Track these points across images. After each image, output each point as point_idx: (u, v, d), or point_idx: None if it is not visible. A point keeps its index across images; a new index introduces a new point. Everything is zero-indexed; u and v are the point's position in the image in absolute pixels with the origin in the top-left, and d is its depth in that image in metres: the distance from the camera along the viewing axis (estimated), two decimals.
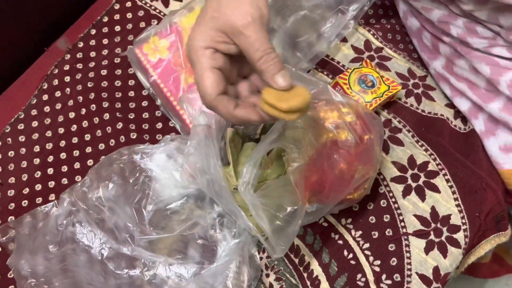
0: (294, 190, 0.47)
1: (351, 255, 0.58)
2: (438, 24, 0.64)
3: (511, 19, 0.56)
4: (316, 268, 0.58)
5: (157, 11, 0.72)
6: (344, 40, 0.69)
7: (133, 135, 0.65)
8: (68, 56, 0.71)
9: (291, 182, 0.47)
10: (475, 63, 0.61)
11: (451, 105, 0.66)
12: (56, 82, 0.69)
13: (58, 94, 0.69)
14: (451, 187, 0.60)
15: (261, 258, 0.58)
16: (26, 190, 0.64)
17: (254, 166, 0.50)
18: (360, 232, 0.59)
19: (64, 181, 0.64)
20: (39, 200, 0.63)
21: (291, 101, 0.40)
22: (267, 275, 0.58)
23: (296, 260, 0.58)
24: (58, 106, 0.68)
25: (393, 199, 0.60)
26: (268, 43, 0.40)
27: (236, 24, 0.40)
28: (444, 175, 0.61)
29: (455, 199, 0.60)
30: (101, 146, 0.66)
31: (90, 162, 0.65)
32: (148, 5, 0.72)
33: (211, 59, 0.41)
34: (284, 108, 0.39)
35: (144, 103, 0.67)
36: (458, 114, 0.66)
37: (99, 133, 0.66)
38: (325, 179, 0.50)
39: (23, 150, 0.66)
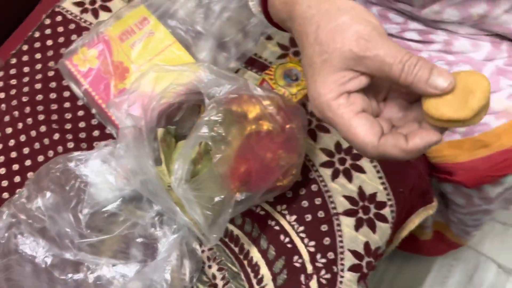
0: (220, 180, 0.50)
1: (287, 239, 0.61)
2: None
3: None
4: (255, 254, 0.61)
5: (88, 23, 0.74)
6: (270, 38, 0.73)
7: (71, 145, 0.67)
8: (1, 73, 0.72)
9: (216, 173, 0.50)
10: None
11: None
12: None
13: None
14: (375, 167, 0.65)
15: (202, 251, 0.61)
16: None
17: (185, 162, 0.52)
18: (294, 217, 0.62)
19: (5, 195, 0.65)
20: None
21: (470, 103, 0.31)
22: (210, 266, 0.60)
23: (236, 249, 0.61)
24: None
25: (323, 183, 0.64)
26: (400, 50, 0.33)
27: (354, 53, 0.33)
28: None
29: (380, 178, 0.64)
30: (40, 158, 0.67)
31: (30, 175, 0.66)
32: (78, 18, 0.74)
33: (349, 105, 0.34)
34: (469, 116, 0.31)
35: (80, 113, 0.69)
36: None
37: (37, 145, 0.67)
38: (252, 169, 0.54)
39: None
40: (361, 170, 0.65)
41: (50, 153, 0.67)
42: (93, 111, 0.67)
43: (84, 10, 0.74)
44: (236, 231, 0.62)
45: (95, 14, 0.74)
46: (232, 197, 0.52)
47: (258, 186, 0.54)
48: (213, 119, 0.53)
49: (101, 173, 0.56)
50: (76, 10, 0.74)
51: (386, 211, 0.63)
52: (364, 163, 0.65)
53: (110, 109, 0.54)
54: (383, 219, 0.63)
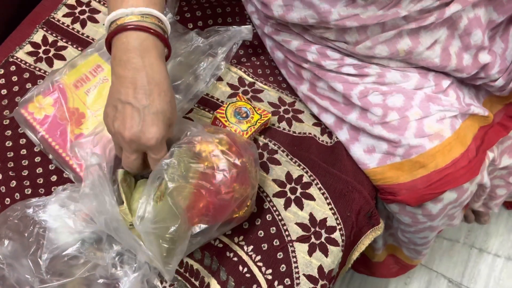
0: (176, 210, 0.53)
1: (245, 269, 0.64)
2: (297, 52, 0.74)
3: (354, 36, 0.69)
4: (215, 286, 0.63)
5: (42, 71, 0.76)
6: (220, 79, 0.77)
7: (28, 191, 0.68)
8: None
9: (171, 202, 0.52)
10: (330, 82, 0.73)
11: (318, 123, 0.77)
12: None
13: None
14: (323, 194, 0.69)
15: None
16: None
17: (147, 201, 0.55)
18: (251, 247, 0.66)
19: None
20: None
21: None
22: None
23: (197, 283, 0.63)
24: None
25: (277, 212, 0.68)
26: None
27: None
28: (316, 184, 0.70)
29: (328, 204, 0.69)
30: None
31: None
32: (32, 67, 0.76)
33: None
34: None
35: (37, 159, 0.70)
36: (324, 130, 0.76)
37: None
38: (209, 202, 0.57)
39: None
40: (310, 197, 0.69)
41: (7, 200, 0.67)
42: (50, 156, 0.69)
43: (38, 59, 0.77)
44: (196, 265, 0.64)
45: (50, 62, 0.77)
46: (189, 228, 0.55)
47: (215, 219, 0.57)
48: (169, 155, 0.56)
49: (60, 217, 0.58)
50: (30, 60, 0.77)
51: (336, 235, 0.67)
52: (313, 191, 0.70)
53: (74, 149, 0.56)
54: (334, 242, 0.67)
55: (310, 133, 0.75)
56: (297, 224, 0.67)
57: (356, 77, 0.72)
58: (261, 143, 0.73)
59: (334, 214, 0.68)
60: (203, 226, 0.56)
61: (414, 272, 1.13)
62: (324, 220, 0.68)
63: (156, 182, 0.56)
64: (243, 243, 0.66)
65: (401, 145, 0.69)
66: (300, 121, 0.76)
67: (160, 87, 0.53)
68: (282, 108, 0.77)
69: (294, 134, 0.75)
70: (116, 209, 0.54)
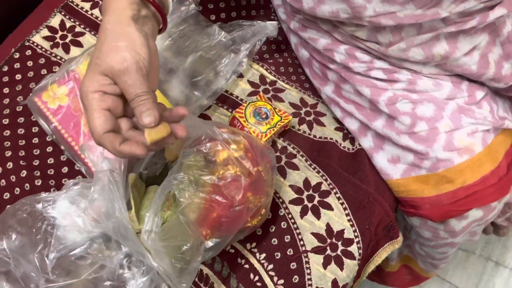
0: (187, 228, 0.50)
1: (257, 278, 0.62)
2: (324, 52, 0.71)
3: (387, 37, 0.64)
4: None
5: (58, 57, 0.73)
6: (241, 76, 0.74)
7: (38, 182, 0.66)
8: None
9: (182, 220, 0.50)
10: (357, 86, 0.69)
11: (340, 128, 0.73)
12: None
13: None
14: (342, 204, 0.66)
15: None
16: None
17: (155, 214, 0.53)
18: (264, 255, 0.63)
19: None
20: None
21: (151, 135, 0.46)
22: None
23: None
24: None
25: (292, 220, 0.65)
26: (141, 86, 0.45)
27: (114, 69, 0.45)
28: (335, 193, 0.67)
29: (347, 215, 0.66)
30: (6, 195, 0.66)
31: None
32: (48, 52, 0.74)
33: (99, 101, 0.45)
34: (147, 140, 0.46)
35: (49, 149, 0.68)
36: (346, 136, 0.73)
37: (3, 183, 0.66)
38: (221, 214, 0.54)
39: None
40: (328, 207, 0.66)
41: (17, 190, 0.66)
42: (62, 147, 0.67)
43: (55, 45, 0.74)
44: (206, 270, 0.62)
45: (66, 48, 0.74)
46: (202, 244, 0.53)
47: (228, 231, 0.55)
48: (179, 167, 0.54)
49: (69, 215, 0.56)
50: (46, 45, 0.74)
51: (353, 248, 0.65)
52: (331, 200, 0.66)
53: (84, 152, 0.54)
54: (351, 256, 0.64)
55: (331, 138, 0.71)
56: (313, 234, 0.64)
57: (385, 82, 0.68)
58: (279, 146, 0.70)
59: (352, 226, 0.65)
60: (215, 240, 0.53)
61: (426, 282, 1.10)
62: (342, 231, 0.65)
63: (164, 196, 0.54)
64: (255, 250, 0.64)
65: (428, 157, 0.65)
66: (322, 124, 0.73)
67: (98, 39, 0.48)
68: (304, 109, 0.74)
69: (315, 139, 0.71)
70: (125, 216, 0.52)
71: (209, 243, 0.54)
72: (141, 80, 0.45)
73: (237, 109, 0.69)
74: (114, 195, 0.52)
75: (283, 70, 0.76)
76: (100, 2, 0.78)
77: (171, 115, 0.49)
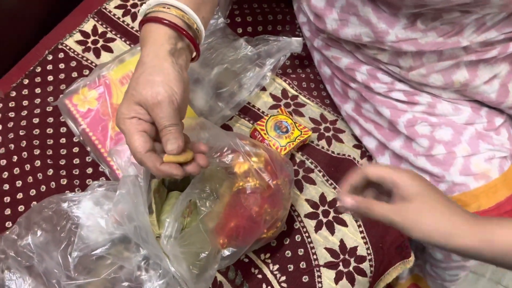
0: (206, 235, 0.52)
1: None
2: (346, 71, 0.72)
3: (408, 61, 0.66)
4: None
5: (89, 61, 0.76)
6: (264, 89, 0.76)
7: (64, 181, 0.68)
8: (0, 105, 0.73)
9: (202, 228, 0.52)
10: (377, 106, 0.70)
11: (358, 145, 0.74)
12: None
13: None
14: (357, 221, 0.67)
15: None
16: None
17: (175, 220, 0.55)
18: (277, 266, 0.64)
19: None
20: None
21: (169, 157, 0.49)
22: None
23: None
24: None
25: (307, 234, 0.66)
26: (170, 119, 0.48)
27: (148, 102, 0.48)
28: None
29: (361, 232, 0.67)
30: (32, 192, 0.68)
31: (21, 208, 0.67)
32: (80, 56, 0.77)
33: (136, 124, 0.48)
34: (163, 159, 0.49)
35: (75, 149, 0.71)
36: (364, 153, 0.74)
37: (30, 179, 0.69)
38: (239, 224, 0.56)
39: None
40: (343, 223, 0.67)
41: (43, 187, 0.68)
42: (88, 149, 0.69)
43: (86, 49, 0.77)
44: (220, 278, 0.64)
45: (97, 53, 0.77)
46: (219, 252, 0.54)
47: (245, 241, 0.56)
48: (201, 177, 0.55)
49: (93, 215, 0.58)
50: (78, 49, 0.77)
51: (365, 265, 0.66)
52: (346, 217, 0.68)
53: (112, 157, 0.56)
54: (362, 273, 0.65)
55: (349, 155, 0.73)
56: (326, 249, 0.66)
57: (405, 104, 0.69)
58: (297, 160, 0.72)
59: (366, 243, 0.66)
60: (232, 249, 0.55)
61: None
62: (355, 248, 0.66)
63: (185, 203, 0.56)
64: (269, 261, 0.65)
65: (444, 180, 0.66)
66: (340, 141, 0.74)
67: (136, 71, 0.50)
68: (323, 125, 0.75)
69: (333, 155, 0.73)
70: (148, 220, 0.54)
71: (226, 252, 0.55)
72: (171, 113, 0.48)
73: (259, 122, 0.70)
74: (138, 200, 0.54)
75: (305, 86, 0.78)
76: (132, 10, 0.80)
77: (193, 146, 0.52)
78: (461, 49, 0.63)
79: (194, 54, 0.54)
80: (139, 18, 0.52)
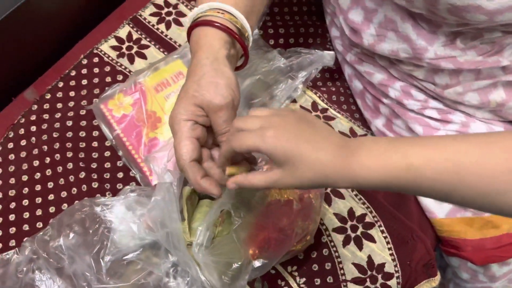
0: (239, 246, 0.52)
1: None
2: (379, 86, 0.72)
3: (445, 79, 0.66)
4: None
5: (123, 67, 0.77)
6: (294, 101, 0.76)
7: (95, 184, 0.69)
8: (35, 107, 0.74)
9: (235, 238, 0.52)
10: (410, 123, 0.70)
11: None
12: (22, 131, 0.73)
13: (23, 142, 0.72)
14: (385, 237, 0.67)
15: None
16: None
17: (207, 229, 0.55)
18: (304, 279, 0.64)
19: (25, 227, 0.67)
20: None
21: (230, 169, 0.49)
22: None
23: None
24: (23, 154, 0.71)
25: (334, 248, 0.66)
26: (230, 124, 0.48)
27: (212, 104, 0.47)
28: (379, 226, 0.68)
29: (389, 249, 0.66)
30: (63, 194, 0.69)
31: (52, 209, 0.68)
32: (114, 61, 0.78)
33: (191, 129, 0.48)
34: (226, 172, 0.49)
35: (107, 153, 0.71)
36: None
37: (62, 181, 0.70)
38: (271, 236, 0.56)
39: None
40: (371, 239, 0.67)
41: (74, 190, 0.69)
42: (120, 153, 0.70)
43: (121, 55, 0.78)
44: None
45: (131, 59, 0.78)
46: (250, 263, 0.54)
47: (276, 253, 0.56)
48: (238, 193, 0.56)
49: (125, 220, 0.59)
50: (113, 54, 0.78)
51: (392, 283, 0.65)
52: (375, 233, 0.67)
53: (148, 163, 0.57)
54: None
55: None
56: (354, 264, 0.65)
57: (438, 122, 0.69)
58: None
59: (393, 260, 0.66)
60: (263, 261, 0.55)
61: None
62: (382, 265, 0.65)
63: (218, 212, 0.56)
64: (296, 273, 0.65)
65: None
66: None
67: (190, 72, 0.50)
68: None
69: None
70: (180, 228, 0.55)
71: (257, 263, 0.55)
72: (233, 118, 0.48)
73: None
74: (172, 207, 0.54)
75: (335, 99, 0.78)
76: (166, 18, 0.82)
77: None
78: (499, 69, 0.63)
79: (240, 62, 0.55)
80: (188, 21, 0.53)
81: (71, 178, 0.70)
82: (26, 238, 0.64)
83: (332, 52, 0.75)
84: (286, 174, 0.44)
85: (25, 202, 0.68)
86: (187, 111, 0.48)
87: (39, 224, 0.67)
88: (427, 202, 0.70)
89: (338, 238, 0.67)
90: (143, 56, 0.78)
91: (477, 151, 0.40)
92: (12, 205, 0.68)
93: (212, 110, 0.47)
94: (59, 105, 0.75)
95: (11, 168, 0.70)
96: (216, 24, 0.50)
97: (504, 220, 0.65)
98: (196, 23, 0.51)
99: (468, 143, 0.41)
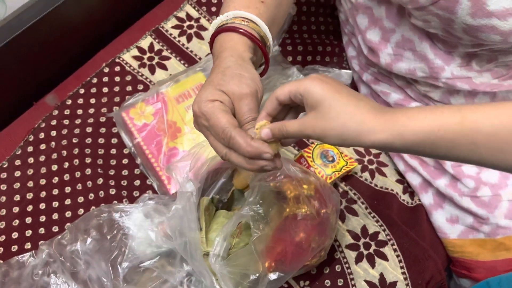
0: (256, 259, 0.53)
1: None
2: (394, 106, 0.73)
3: (460, 100, 0.67)
4: None
5: (144, 77, 0.79)
6: None
7: (112, 191, 0.70)
8: (56, 112, 0.76)
9: (253, 250, 0.53)
10: None
11: (401, 180, 0.75)
12: (42, 135, 0.74)
13: (43, 147, 0.73)
14: (397, 256, 0.67)
15: None
16: (2, 238, 0.66)
17: (225, 240, 0.56)
18: None
19: (41, 230, 0.68)
20: (14, 248, 0.66)
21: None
22: None
23: None
24: (42, 158, 0.72)
25: (347, 265, 0.67)
26: (255, 113, 0.48)
27: (237, 92, 0.47)
28: (392, 245, 0.68)
29: (401, 267, 0.67)
30: (80, 199, 0.70)
31: (68, 214, 0.69)
32: (135, 71, 0.79)
33: (221, 105, 0.47)
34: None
35: (125, 161, 0.72)
36: (406, 189, 0.74)
37: (79, 186, 0.70)
38: (287, 250, 0.56)
39: (3, 199, 0.69)
40: (384, 257, 0.67)
41: (91, 195, 0.70)
42: (138, 161, 0.71)
43: (142, 65, 0.80)
44: None
45: (152, 70, 0.80)
46: (266, 275, 0.55)
47: (292, 267, 0.57)
48: (255, 199, 0.57)
49: (143, 227, 0.59)
50: (134, 64, 0.80)
51: None
52: (388, 251, 0.68)
53: (171, 172, 0.57)
54: None
55: (392, 190, 0.73)
56: (366, 281, 0.66)
57: None
58: (341, 190, 0.72)
59: (405, 279, 0.66)
60: (279, 274, 0.56)
61: None
62: (394, 283, 0.66)
63: (237, 223, 0.56)
64: None
65: (488, 222, 0.66)
66: (383, 174, 0.75)
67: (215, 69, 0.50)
68: (367, 157, 0.76)
69: (376, 188, 0.73)
70: (197, 237, 0.55)
71: (273, 276, 0.56)
72: (257, 107, 0.48)
73: (306, 149, 0.72)
74: (192, 216, 0.55)
75: None
76: (188, 31, 0.83)
77: None
78: None
79: (259, 71, 0.56)
80: (212, 28, 0.54)
81: (89, 183, 0.70)
82: (42, 242, 0.65)
83: (349, 71, 0.76)
84: (319, 116, 0.42)
85: (42, 205, 0.69)
86: (213, 94, 0.47)
87: (55, 228, 0.68)
88: (440, 223, 0.71)
89: (351, 254, 0.67)
90: (164, 67, 0.80)
91: None
92: (29, 208, 0.69)
93: (237, 97, 0.47)
94: (80, 111, 0.76)
95: (30, 172, 0.71)
96: (241, 30, 0.51)
97: None
98: (221, 29, 0.53)
99: None
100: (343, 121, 0.42)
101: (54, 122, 0.75)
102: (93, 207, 0.67)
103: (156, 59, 0.80)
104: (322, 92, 0.42)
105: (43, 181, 0.71)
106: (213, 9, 0.85)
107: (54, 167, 0.72)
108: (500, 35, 0.53)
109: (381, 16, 0.68)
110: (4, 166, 0.71)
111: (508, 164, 0.41)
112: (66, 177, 0.71)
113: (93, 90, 0.78)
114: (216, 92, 0.48)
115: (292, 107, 0.49)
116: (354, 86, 0.82)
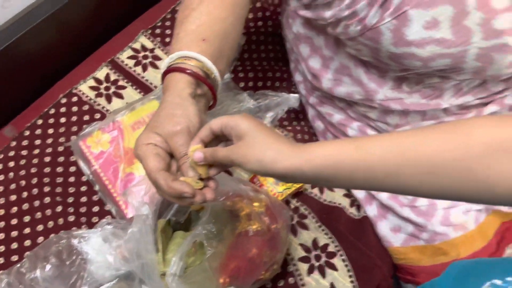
0: (211, 275, 0.56)
1: None
2: (338, 126, 0.79)
3: (395, 119, 0.73)
4: None
5: (101, 106, 0.82)
6: None
7: (71, 218, 0.72)
8: (14, 143, 0.77)
9: (207, 267, 0.56)
10: None
11: (348, 195, 0.80)
12: (0, 166, 0.75)
13: (1, 177, 0.74)
14: (346, 266, 0.72)
15: None
16: None
17: (181, 259, 0.58)
18: None
19: (1, 260, 0.68)
20: None
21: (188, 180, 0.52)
22: None
23: None
24: (0, 189, 0.73)
25: (300, 277, 0.71)
26: (187, 147, 0.52)
27: (168, 131, 0.53)
28: (341, 255, 0.73)
29: (350, 277, 0.71)
30: (40, 227, 0.71)
31: (27, 242, 0.70)
32: (92, 101, 0.82)
33: (152, 149, 0.53)
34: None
35: (83, 188, 0.75)
36: (353, 202, 0.80)
37: (38, 215, 0.72)
38: (241, 265, 0.60)
39: None
40: (334, 267, 0.72)
41: (50, 223, 0.71)
42: (96, 188, 0.73)
43: (99, 95, 0.83)
44: None
45: (108, 99, 0.83)
46: None
47: (246, 282, 0.60)
48: (208, 218, 0.60)
49: (102, 251, 0.61)
50: (91, 94, 0.83)
51: None
52: (337, 261, 0.72)
53: (126, 197, 0.60)
54: None
55: (340, 204, 0.79)
56: None
57: None
58: (292, 206, 0.77)
59: (354, 287, 0.71)
60: None
61: None
62: None
63: (192, 243, 0.60)
64: None
65: (426, 230, 0.72)
66: (332, 190, 0.80)
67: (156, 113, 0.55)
68: None
69: (325, 202, 0.78)
70: (154, 259, 0.58)
71: None
72: (189, 142, 0.53)
73: None
74: (148, 238, 0.58)
75: (300, 137, 0.85)
76: (143, 61, 0.87)
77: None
78: (441, 111, 0.71)
79: (211, 102, 0.60)
80: (162, 70, 0.59)
81: (48, 212, 0.72)
82: (1, 271, 0.66)
83: (296, 95, 0.82)
84: (244, 144, 0.48)
85: (1, 235, 0.70)
86: (147, 138, 0.53)
87: (15, 257, 0.69)
88: (384, 232, 0.76)
89: (303, 267, 0.72)
90: (120, 96, 0.83)
91: (419, 133, 0.45)
92: None
93: (169, 136, 0.53)
94: (38, 142, 0.78)
95: None
96: (182, 69, 0.56)
97: (452, 248, 0.71)
98: (167, 70, 0.58)
99: (412, 131, 0.46)
100: (263, 148, 0.47)
101: (12, 153, 0.77)
102: (53, 235, 0.68)
103: (113, 89, 0.84)
104: (249, 126, 0.48)
105: (1, 211, 0.72)
106: (167, 39, 0.90)
107: (13, 197, 0.73)
108: (420, 61, 0.60)
109: (321, 46, 0.74)
110: None
111: (406, 187, 0.45)
112: (25, 206, 0.73)
113: (51, 120, 0.80)
114: (151, 135, 0.53)
115: (222, 141, 0.55)
116: (302, 108, 0.88)
